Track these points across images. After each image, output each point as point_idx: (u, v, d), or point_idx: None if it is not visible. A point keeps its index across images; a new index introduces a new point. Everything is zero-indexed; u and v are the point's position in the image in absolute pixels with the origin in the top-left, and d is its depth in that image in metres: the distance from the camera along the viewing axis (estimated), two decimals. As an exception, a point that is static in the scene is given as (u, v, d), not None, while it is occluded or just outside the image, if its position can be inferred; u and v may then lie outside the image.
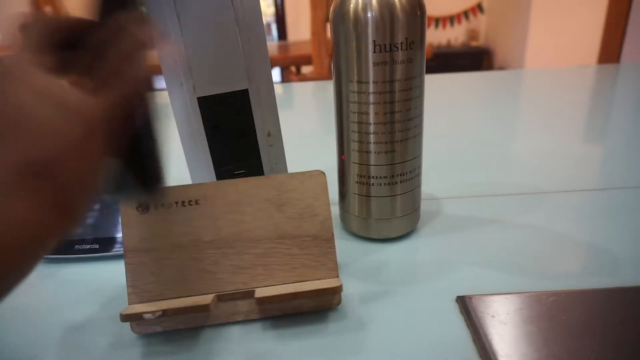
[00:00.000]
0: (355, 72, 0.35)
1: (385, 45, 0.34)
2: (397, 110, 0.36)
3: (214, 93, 0.41)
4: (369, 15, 0.33)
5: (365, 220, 0.40)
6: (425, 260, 0.38)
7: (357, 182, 0.39)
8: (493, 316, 0.31)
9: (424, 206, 0.46)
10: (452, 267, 0.37)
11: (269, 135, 0.44)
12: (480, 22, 4.36)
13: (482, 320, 0.30)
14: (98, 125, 0.21)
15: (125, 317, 0.29)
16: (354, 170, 0.39)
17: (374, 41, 0.34)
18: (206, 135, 0.43)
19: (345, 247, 0.40)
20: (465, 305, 0.32)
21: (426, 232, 0.42)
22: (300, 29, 4.14)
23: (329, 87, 1.08)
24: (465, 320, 0.31)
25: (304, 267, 0.33)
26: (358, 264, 0.38)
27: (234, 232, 0.33)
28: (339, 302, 0.33)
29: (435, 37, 4.36)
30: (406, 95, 0.36)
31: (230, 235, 0.33)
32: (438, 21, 4.31)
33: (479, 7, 4.25)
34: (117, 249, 0.42)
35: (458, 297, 0.33)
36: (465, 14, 4.29)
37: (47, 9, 4.04)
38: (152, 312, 0.29)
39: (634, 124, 0.72)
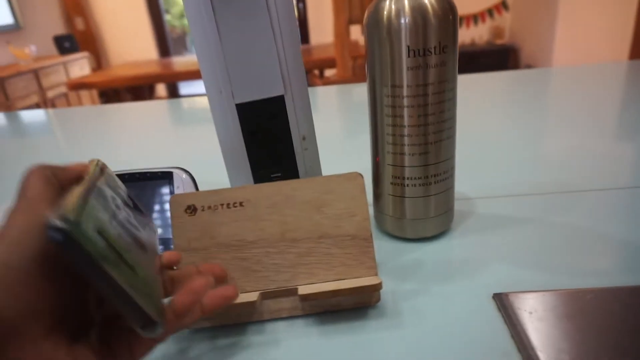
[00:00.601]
0: (390, 76, 0.36)
1: (419, 50, 0.35)
2: (431, 112, 0.37)
3: (252, 99, 0.43)
4: (402, 21, 0.34)
5: (400, 221, 0.41)
6: (460, 258, 0.39)
7: (391, 183, 0.40)
8: (530, 312, 0.31)
9: (458, 206, 0.46)
10: (487, 265, 0.37)
11: (303, 139, 0.46)
12: (505, 20, 4.29)
13: (520, 316, 0.31)
14: None
15: None
16: (388, 172, 0.40)
17: (408, 46, 0.35)
18: (244, 140, 0.45)
19: (381, 247, 0.42)
20: (503, 302, 0.32)
21: (460, 231, 0.43)
22: (323, 32, 4.16)
23: (353, 90, 1.09)
24: (503, 316, 0.31)
25: (344, 265, 0.34)
26: (394, 263, 0.39)
27: (276, 232, 0.35)
28: (378, 299, 0.34)
29: (459, 36, 4.32)
30: (439, 98, 0.37)
31: (272, 235, 0.34)
32: (462, 20, 4.26)
33: (504, 4, 4.19)
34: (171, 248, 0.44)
35: (495, 294, 0.33)
36: (490, 11, 4.23)
37: (78, 20, 4.18)
38: None
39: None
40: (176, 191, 0.44)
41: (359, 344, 0.31)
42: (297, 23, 0.42)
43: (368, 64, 0.38)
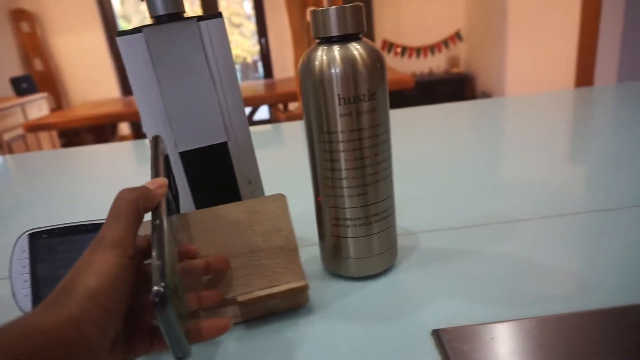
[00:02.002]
0: (325, 123, 0.38)
1: (349, 97, 0.37)
2: (366, 155, 0.38)
3: (195, 147, 0.44)
4: (333, 71, 0.36)
5: (344, 260, 0.42)
6: (403, 295, 0.40)
7: (333, 224, 0.41)
8: (466, 348, 0.32)
9: (402, 241, 0.47)
10: (429, 301, 0.38)
11: (249, 183, 0.46)
12: (460, 50, 4.50)
13: (457, 352, 0.32)
14: None
15: None
16: (330, 213, 0.41)
17: (339, 95, 0.36)
18: (190, 187, 0.45)
19: (326, 287, 0.42)
20: (440, 338, 0.33)
21: (404, 267, 0.44)
22: (286, 66, 4.25)
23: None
24: (440, 354, 0.32)
25: (275, 273, 0.38)
26: (338, 303, 0.40)
27: (213, 251, 0.38)
28: (307, 300, 0.39)
29: (417, 66, 4.49)
30: (373, 142, 0.38)
31: (210, 254, 0.38)
32: (419, 51, 4.44)
33: (458, 36, 4.40)
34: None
35: (433, 330, 0.34)
36: (445, 42, 4.43)
37: (37, 61, 4.11)
38: None
39: (608, 147, 0.76)
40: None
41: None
42: (236, 71, 0.43)
43: (304, 110, 0.40)
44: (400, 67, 4.32)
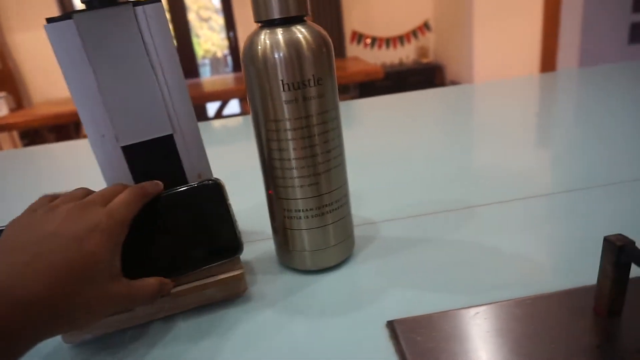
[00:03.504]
0: (271, 111, 0.36)
1: (294, 83, 0.35)
2: (316, 143, 0.37)
3: (138, 141, 0.41)
4: (276, 55, 0.34)
5: (299, 253, 0.41)
6: (359, 287, 0.39)
7: (285, 216, 0.40)
8: (420, 339, 0.31)
9: (361, 231, 0.46)
10: (385, 292, 0.37)
11: (199, 177, 0.44)
12: (429, 40, 4.53)
13: (410, 343, 0.31)
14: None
15: None
16: (282, 205, 0.39)
17: (283, 80, 0.35)
18: (135, 182, 0.42)
19: (281, 281, 0.41)
20: (394, 330, 0.32)
21: (362, 257, 0.43)
22: (255, 59, 4.17)
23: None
24: (394, 345, 0.31)
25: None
26: (292, 297, 0.38)
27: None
28: (245, 288, 0.38)
29: (387, 56, 4.50)
30: (323, 129, 0.37)
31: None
32: (389, 41, 4.45)
33: (426, 26, 4.43)
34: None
35: (388, 322, 0.33)
36: (414, 32, 4.45)
37: None
38: None
39: (570, 131, 0.76)
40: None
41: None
42: (178, 59, 0.41)
43: (249, 99, 0.38)
44: (370, 58, 4.32)
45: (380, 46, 4.45)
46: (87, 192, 0.36)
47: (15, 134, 3.61)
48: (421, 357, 0.29)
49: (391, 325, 0.33)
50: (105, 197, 0.34)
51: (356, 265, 0.42)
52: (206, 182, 0.38)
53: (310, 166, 0.38)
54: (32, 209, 0.34)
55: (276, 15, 0.35)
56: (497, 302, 0.34)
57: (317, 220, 0.39)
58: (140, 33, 0.39)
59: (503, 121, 0.84)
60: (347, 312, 0.35)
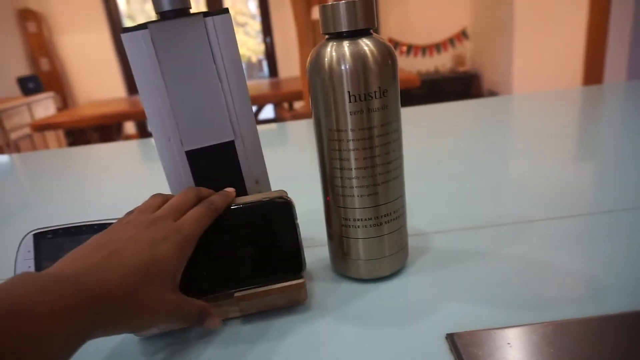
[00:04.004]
0: (334, 121, 0.37)
1: (360, 95, 0.36)
2: (377, 154, 0.37)
3: (202, 146, 0.43)
4: (343, 68, 0.35)
5: (354, 262, 0.41)
6: (414, 298, 0.39)
7: (342, 224, 0.40)
8: (481, 353, 0.31)
9: (413, 242, 0.46)
10: (442, 304, 0.37)
11: (257, 182, 0.46)
12: (466, 48, 4.47)
13: (472, 357, 0.31)
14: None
15: None
16: (339, 214, 0.40)
17: (349, 92, 0.35)
18: (196, 186, 0.44)
19: (336, 289, 0.41)
20: (454, 343, 0.32)
21: (415, 268, 0.43)
22: (291, 65, 4.23)
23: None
24: (455, 357, 0.31)
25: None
26: (349, 306, 0.39)
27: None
28: (305, 297, 0.39)
29: (423, 64, 4.46)
30: (384, 140, 0.37)
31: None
32: (425, 50, 4.42)
33: (463, 34, 4.37)
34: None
35: (447, 334, 0.33)
36: (451, 40, 4.40)
37: (43, 60, 4.13)
38: None
39: (619, 146, 0.74)
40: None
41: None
42: (243, 68, 0.42)
43: (313, 108, 0.39)
44: (406, 66, 4.30)
45: (416, 54, 4.42)
46: (163, 200, 0.38)
47: (60, 132, 3.77)
48: (485, 373, 0.29)
49: (451, 338, 0.33)
50: (178, 209, 0.36)
51: (410, 276, 0.42)
52: (277, 199, 0.39)
53: (370, 176, 0.38)
54: (118, 220, 0.36)
55: (344, 28, 0.35)
56: (561, 320, 0.34)
57: (374, 230, 0.40)
58: (209, 43, 0.40)
59: (547, 134, 0.82)
60: (404, 323, 0.36)
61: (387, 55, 0.36)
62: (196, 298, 0.36)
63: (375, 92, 0.36)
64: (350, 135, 0.37)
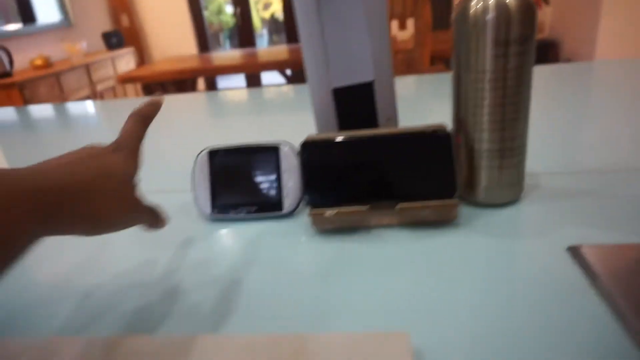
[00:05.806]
0: (476, 63, 0.43)
1: (502, 40, 0.41)
2: (510, 94, 0.43)
3: (346, 84, 0.50)
4: (488, 17, 0.41)
5: (476, 187, 0.47)
6: (531, 221, 0.45)
7: (470, 156, 0.46)
8: (607, 262, 0.36)
9: (527, 180, 0.52)
10: (560, 225, 0.43)
11: (388, 119, 0.52)
12: (545, 14, 4.22)
13: (596, 266, 0.36)
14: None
15: (312, 215, 0.45)
16: (468, 145, 0.46)
17: (493, 38, 0.41)
18: (338, 123, 0.51)
19: (464, 210, 0.48)
20: (578, 253, 0.38)
21: (529, 201, 0.48)
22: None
23: (399, 82, 1.15)
24: (582, 268, 0.37)
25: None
26: (475, 222, 0.45)
27: None
28: (456, 216, 0.45)
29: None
30: (517, 82, 0.43)
31: None
32: (499, 14, 4.22)
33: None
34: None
35: (569, 247, 0.39)
36: (529, 5, 4.17)
37: (124, 17, 4.36)
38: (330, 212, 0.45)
39: None
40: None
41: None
42: (387, 15, 0.48)
43: (455, 53, 0.44)
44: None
45: (489, 18, 4.23)
46: None
47: (138, 85, 4.01)
48: (614, 278, 0.35)
49: (574, 249, 0.39)
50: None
51: (525, 206, 0.48)
52: (440, 131, 0.44)
53: (500, 113, 0.44)
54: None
55: (492, -19, 0.40)
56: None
57: (496, 162, 0.46)
58: (362, -5, 0.47)
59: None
60: (527, 238, 0.42)
61: (527, 6, 0.41)
62: (363, 205, 0.44)
63: (515, 39, 0.41)
64: (488, 75, 0.42)
